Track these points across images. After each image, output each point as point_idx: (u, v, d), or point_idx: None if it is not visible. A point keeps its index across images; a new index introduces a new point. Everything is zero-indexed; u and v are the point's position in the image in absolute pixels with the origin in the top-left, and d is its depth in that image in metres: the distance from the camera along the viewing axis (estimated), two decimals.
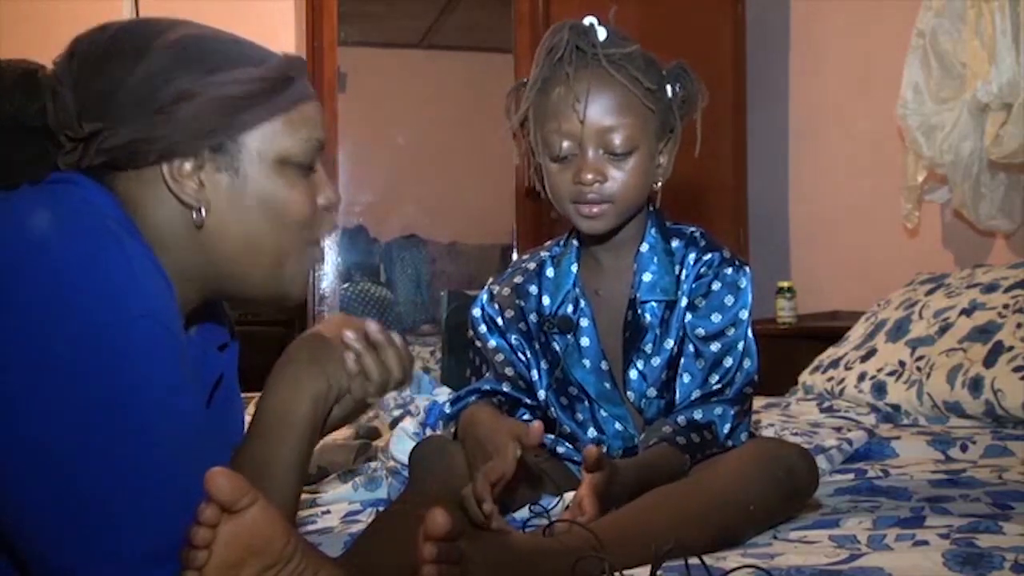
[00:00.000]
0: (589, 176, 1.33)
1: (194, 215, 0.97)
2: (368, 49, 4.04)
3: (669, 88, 1.38)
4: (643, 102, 1.34)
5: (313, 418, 1.02)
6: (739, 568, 0.97)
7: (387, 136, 4.15)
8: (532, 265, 1.50)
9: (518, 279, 1.49)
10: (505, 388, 1.46)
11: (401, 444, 1.65)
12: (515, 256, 3.53)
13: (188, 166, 0.97)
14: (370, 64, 4.05)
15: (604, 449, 1.43)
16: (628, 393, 1.42)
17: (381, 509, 1.38)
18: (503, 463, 1.16)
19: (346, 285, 3.82)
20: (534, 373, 1.46)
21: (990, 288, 2.21)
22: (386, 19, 4.06)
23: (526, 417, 1.47)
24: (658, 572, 0.94)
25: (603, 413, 1.44)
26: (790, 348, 2.84)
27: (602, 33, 1.34)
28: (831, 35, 3.43)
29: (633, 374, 1.41)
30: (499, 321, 1.48)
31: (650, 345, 1.40)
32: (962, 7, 2.62)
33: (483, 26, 3.99)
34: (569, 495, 1.32)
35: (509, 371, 1.47)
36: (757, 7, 3.57)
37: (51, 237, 0.87)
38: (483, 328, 1.50)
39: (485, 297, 1.51)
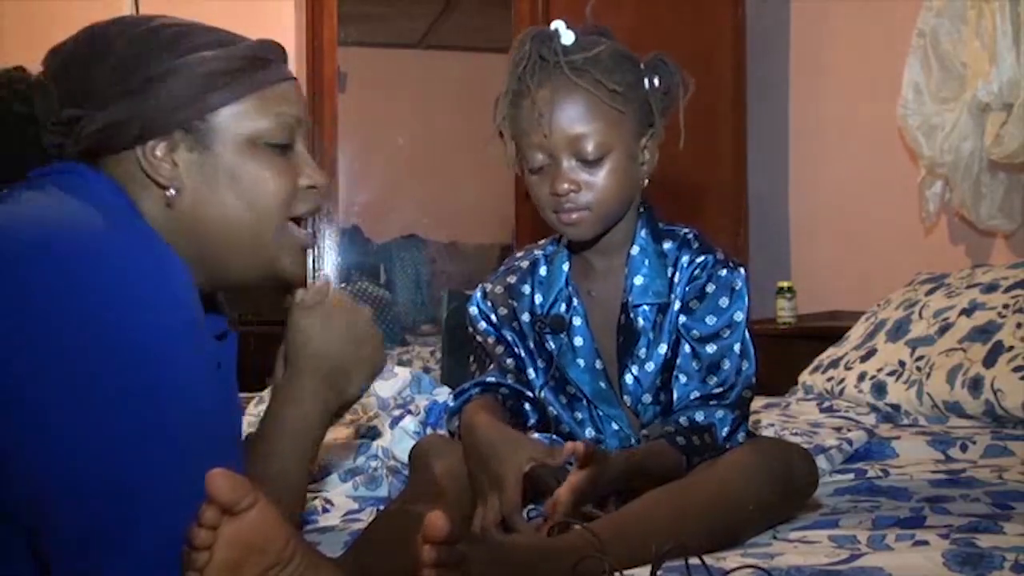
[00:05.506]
0: (564, 187, 1.31)
1: (167, 194, 1.00)
2: (368, 49, 4.03)
3: (647, 81, 1.36)
4: (611, 105, 1.32)
5: (324, 433, 1.10)
6: (739, 568, 0.97)
7: (387, 136, 4.15)
8: (525, 264, 1.50)
9: (511, 279, 1.49)
10: (509, 381, 1.45)
11: (402, 443, 1.65)
12: None
13: (161, 147, 0.99)
14: (370, 64, 4.05)
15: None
16: (624, 397, 1.41)
17: (381, 508, 1.38)
18: (509, 503, 1.19)
19: (346, 285, 3.82)
20: (530, 372, 1.46)
21: (990, 288, 2.21)
22: (386, 19, 4.05)
23: (526, 408, 1.47)
24: (658, 572, 0.94)
25: (601, 413, 1.43)
26: (790, 348, 2.84)
27: (568, 37, 1.33)
28: (831, 35, 3.43)
29: (628, 379, 1.40)
30: (493, 318, 1.49)
31: (644, 350, 1.39)
32: (962, 7, 2.62)
33: (483, 26, 3.99)
34: None
35: (511, 363, 1.47)
36: (757, 7, 3.56)
37: (68, 229, 0.89)
38: (483, 324, 1.50)
39: (479, 294, 1.52)
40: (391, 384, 2.00)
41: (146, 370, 0.85)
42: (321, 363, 1.09)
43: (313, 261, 3.34)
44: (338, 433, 1.74)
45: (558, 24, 1.34)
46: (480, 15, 4.05)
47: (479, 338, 1.51)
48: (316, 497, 1.51)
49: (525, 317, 1.46)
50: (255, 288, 1.10)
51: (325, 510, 1.45)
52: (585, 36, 1.35)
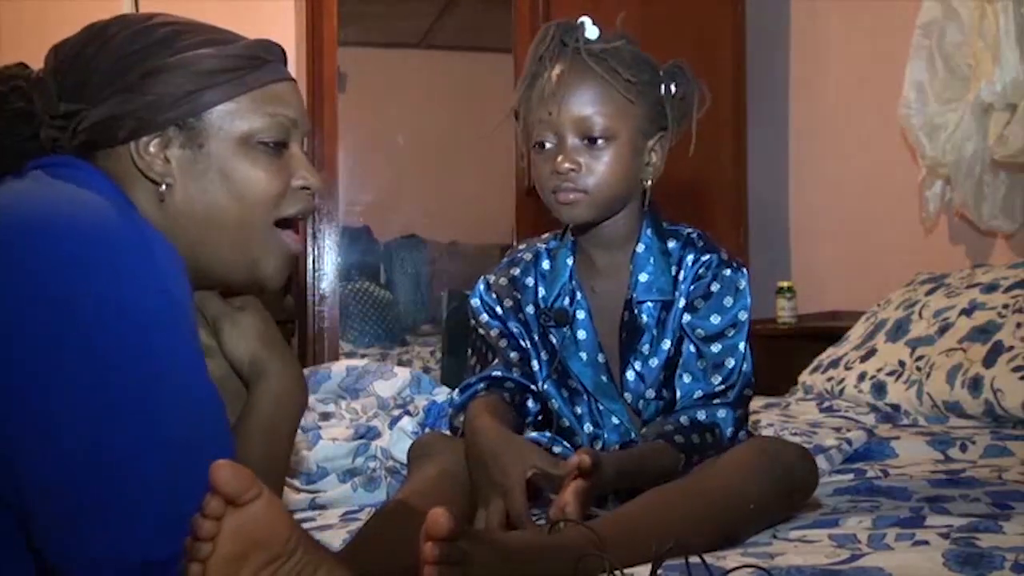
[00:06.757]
0: (566, 165, 1.34)
1: (159, 190, 1.00)
2: (368, 49, 4.03)
3: (663, 87, 1.39)
4: (622, 94, 1.35)
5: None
6: (739, 568, 0.97)
7: (387, 136, 4.15)
8: (528, 256, 1.51)
9: (515, 271, 1.50)
10: (514, 375, 1.46)
11: (400, 443, 1.65)
12: None
13: (155, 143, 1.00)
14: (370, 64, 4.05)
15: (600, 445, 1.43)
16: (625, 394, 1.42)
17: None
18: (516, 510, 1.19)
19: (346, 285, 3.82)
20: (534, 364, 1.47)
21: (990, 288, 2.21)
22: (386, 19, 4.05)
23: (529, 404, 1.47)
24: (658, 571, 0.94)
25: (601, 407, 1.44)
26: (790, 348, 2.84)
27: (593, 31, 1.37)
28: (832, 35, 3.43)
29: (631, 375, 1.41)
30: (498, 310, 1.49)
31: (647, 346, 1.40)
32: (965, 7, 2.62)
33: (483, 26, 3.99)
34: None
35: (515, 356, 1.47)
36: (757, 7, 3.56)
37: (67, 217, 0.89)
38: (485, 316, 1.50)
39: (482, 287, 1.52)
40: (391, 384, 1.99)
41: (140, 345, 0.86)
42: (276, 340, 1.09)
43: (313, 261, 3.34)
44: (337, 432, 1.74)
45: (586, 20, 1.38)
46: (480, 15, 4.05)
47: (481, 330, 1.52)
48: (314, 497, 1.51)
49: (530, 309, 1.47)
50: (238, 290, 1.09)
51: (323, 511, 1.45)
52: (610, 34, 1.38)
